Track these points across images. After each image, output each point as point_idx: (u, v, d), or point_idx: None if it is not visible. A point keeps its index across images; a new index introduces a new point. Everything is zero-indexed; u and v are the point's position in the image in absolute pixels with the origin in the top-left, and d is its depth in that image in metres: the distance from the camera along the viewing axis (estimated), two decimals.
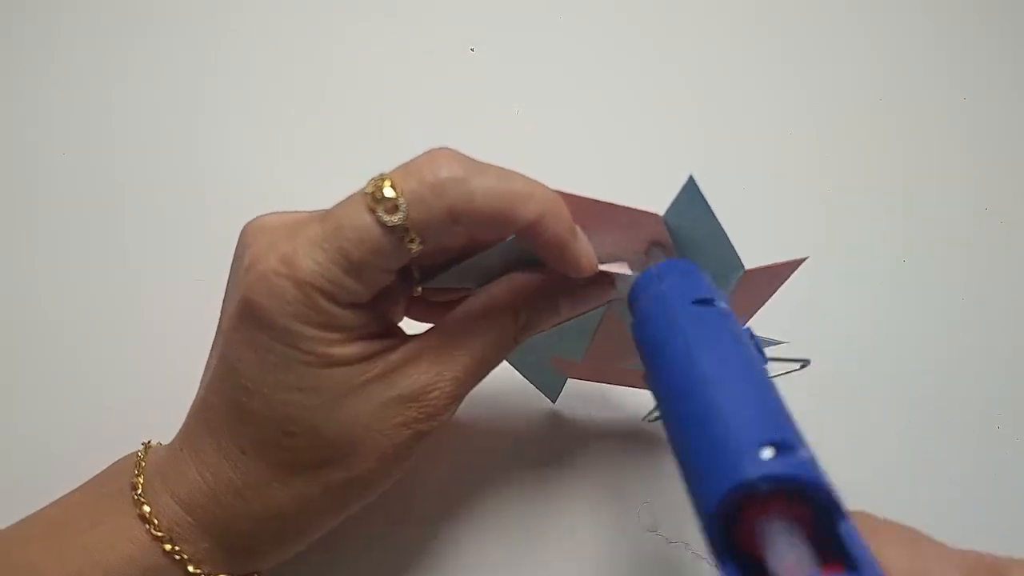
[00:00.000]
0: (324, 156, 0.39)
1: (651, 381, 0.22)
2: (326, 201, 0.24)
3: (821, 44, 0.43)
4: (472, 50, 0.42)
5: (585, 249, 0.25)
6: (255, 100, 0.41)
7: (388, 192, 0.22)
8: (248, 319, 0.23)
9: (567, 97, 0.42)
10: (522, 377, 0.33)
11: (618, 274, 0.27)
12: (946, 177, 0.41)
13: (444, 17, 0.43)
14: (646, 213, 0.26)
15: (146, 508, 0.24)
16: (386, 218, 0.22)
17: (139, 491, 0.25)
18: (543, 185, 0.24)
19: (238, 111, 0.41)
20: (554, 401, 0.34)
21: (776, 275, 0.28)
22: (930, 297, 0.38)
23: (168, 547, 0.24)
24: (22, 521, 0.25)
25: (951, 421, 0.36)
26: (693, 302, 0.22)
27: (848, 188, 0.40)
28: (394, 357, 0.24)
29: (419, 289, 0.27)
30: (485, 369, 0.26)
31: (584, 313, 0.28)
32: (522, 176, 0.23)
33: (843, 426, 0.36)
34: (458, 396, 0.25)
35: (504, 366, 0.29)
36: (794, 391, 0.36)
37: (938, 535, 0.35)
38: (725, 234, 0.26)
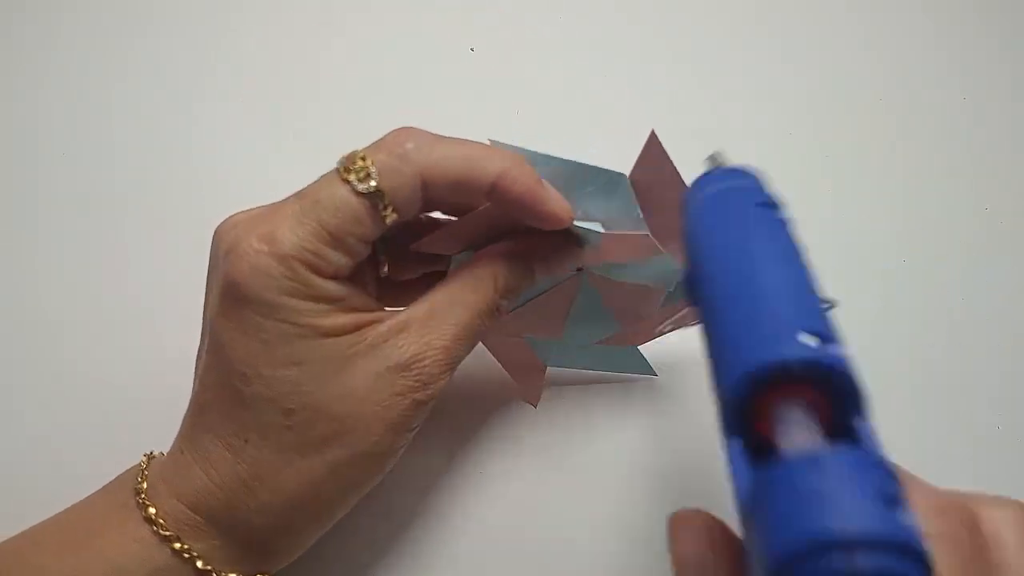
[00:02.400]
0: (324, 156, 0.39)
1: (695, 272, 0.22)
2: None
3: (821, 44, 0.43)
4: (472, 50, 0.42)
5: (556, 196, 0.26)
6: (255, 100, 0.41)
7: (359, 164, 0.23)
8: (235, 301, 0.23)
9: (567, 98, 0.42)
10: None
11: (589, 233, 0.28)
12: (946, 177, 0.41)
13: (444, 17, 0.43)
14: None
15: (151, 510, 0.24)
16: (360, 186, 0.23)
17: (143, 495, 0.25)
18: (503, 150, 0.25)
19: (238, 112, 0.41)
20: (656, 374, 0.34)
21: (652, 157, 0.29)
22: (930, 297, 0.38)
23: (177, 546, 0.24)
24: (31, 528, 0.25)
25: (951, 421, 0.36)
26: (756, 204, 0.22)
27: (848, 188, 0.40)
28: (383, 329, 0.25)
29: (385, 269, 0.28)
30: (472, 336, 0.26)
31: (558, 278, 0.30)
32: (483, 143, 0.26)
33: None
34: (450, 364, 0.26)
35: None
36: None
37: None
38: (570, 161, 0.27)
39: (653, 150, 0.27)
